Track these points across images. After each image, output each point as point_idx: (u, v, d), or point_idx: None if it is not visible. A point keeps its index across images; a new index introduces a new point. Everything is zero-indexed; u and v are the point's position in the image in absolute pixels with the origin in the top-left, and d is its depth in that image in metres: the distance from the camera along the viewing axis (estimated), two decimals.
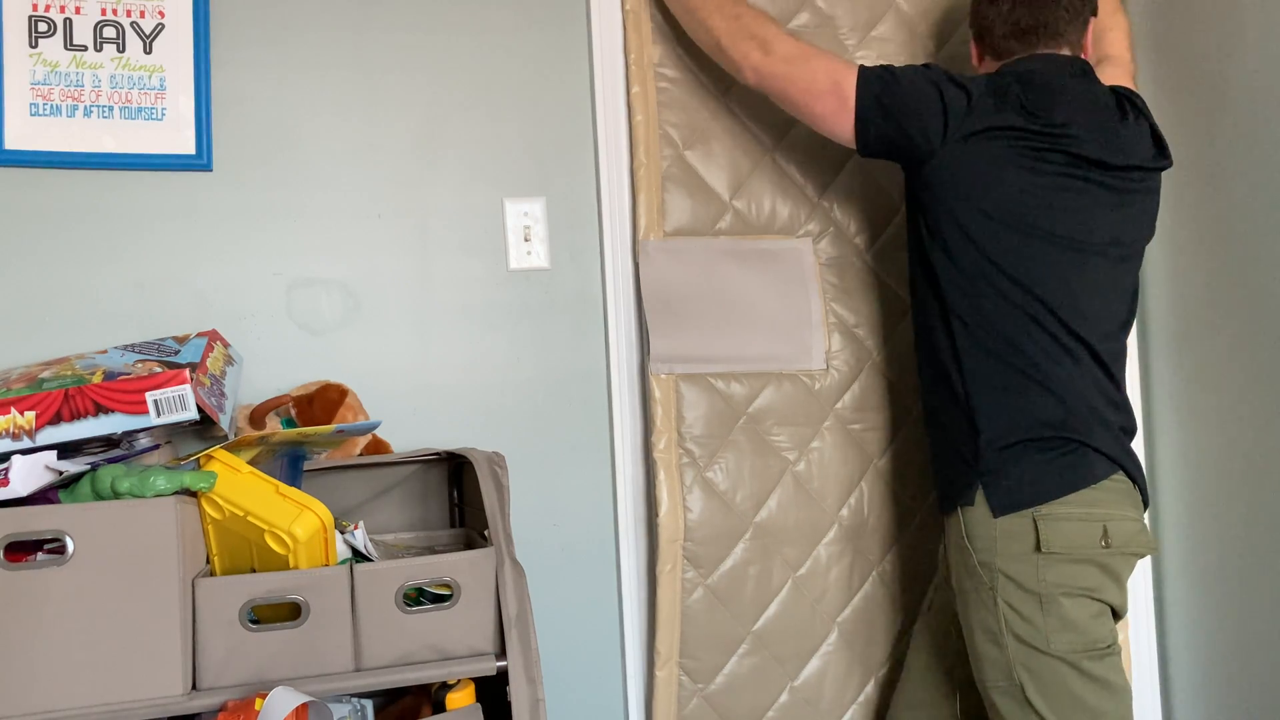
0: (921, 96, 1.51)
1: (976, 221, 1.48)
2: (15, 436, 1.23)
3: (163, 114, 1.60)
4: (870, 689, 1.83)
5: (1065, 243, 1.47)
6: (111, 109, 1.58)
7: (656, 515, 1.73)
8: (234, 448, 1.33)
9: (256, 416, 1.52)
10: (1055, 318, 1.46)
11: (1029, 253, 1.47)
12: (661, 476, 1.73)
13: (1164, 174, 1.86)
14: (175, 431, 1.44)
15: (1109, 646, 1.43)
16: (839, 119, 1.56)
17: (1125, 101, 1.56)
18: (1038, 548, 1.41)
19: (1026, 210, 1.46)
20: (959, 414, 1.51)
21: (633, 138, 1.79)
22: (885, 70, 1.55)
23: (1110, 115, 1.52)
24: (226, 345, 1.52)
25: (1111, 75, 1.76)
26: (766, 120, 1.85)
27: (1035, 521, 1.42)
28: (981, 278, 1.48)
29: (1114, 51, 1.80)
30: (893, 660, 1.85)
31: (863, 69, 1.55)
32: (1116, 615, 1.47)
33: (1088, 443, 1.44)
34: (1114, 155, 1.49)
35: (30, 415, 1.24)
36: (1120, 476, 1.46)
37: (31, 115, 1.55)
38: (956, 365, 1.51)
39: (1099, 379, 1.49)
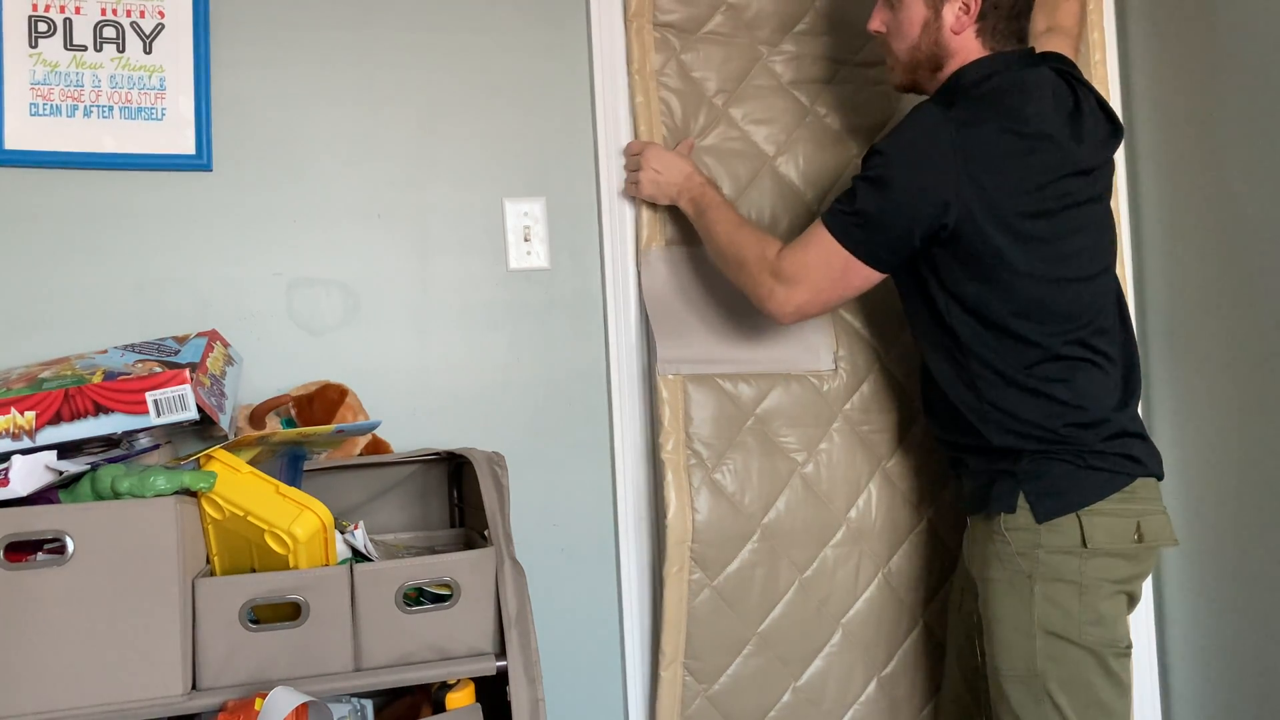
0: (910, 187, 1.43)
1: (999, 277, 1.44)
2: (15, 436, 1.23)
3: (162, 114, 1.60)
4: (872, 688, 1.83)
5: (1084, 268, 1.47)
6: (111, 109, 1.58)
7: (664, 517, 1.72)
8: (234, 448, 1.33)
9: (256, 416, 1.52)
10: (1080, 327, 1.46)
11: (1053, 289, 1.45)
12: (669, 478, 1.73)
13: (1162, 173, 1.86)
14: (175, 431, 1.44)
15: (1128, 647, 1.44)
16: (857, 273, 1.49)
17: (1071, 80, 1.53)
18: (1083, 543, 1.42)
19: (1049, 256, 1.44)
20: (990, 425, 1.49)
21: None
22: (839, 208, 1.48)
23: (1068, 107, 1.49)
24: (226, 345, 1.52)
25: (1058, 45, 1.71)
26: (766, 129, 1.85)
27: (1079, 519, 1.42)
28: (1005, 316, 1.46)
29: (1067, 23, 1.77)
30: (895, 660, 1.85)
31: (823, 221, 1.49)
32: (1132, 603, 1.48)
33: (1121, 437, 1.45)
34: (1089, 159, 1.48)
35: (30, 415, 1.24)
36: (1148, 470, 1.47)
37: (31, 115, 1.55)
38: (985, 380, 1.48)
39: (1121, 370, 1.50)
